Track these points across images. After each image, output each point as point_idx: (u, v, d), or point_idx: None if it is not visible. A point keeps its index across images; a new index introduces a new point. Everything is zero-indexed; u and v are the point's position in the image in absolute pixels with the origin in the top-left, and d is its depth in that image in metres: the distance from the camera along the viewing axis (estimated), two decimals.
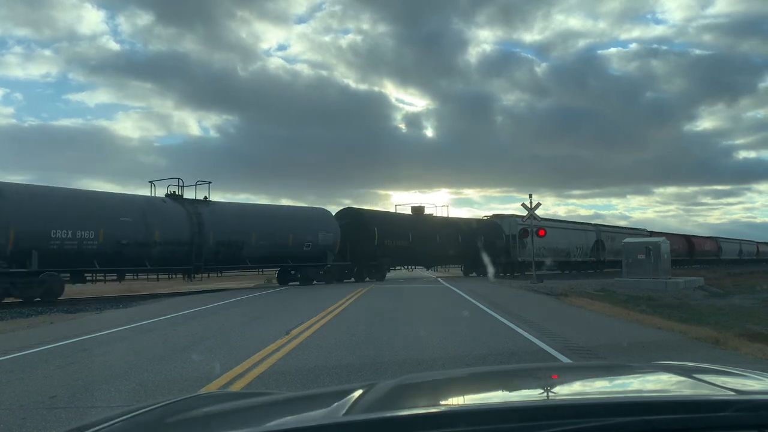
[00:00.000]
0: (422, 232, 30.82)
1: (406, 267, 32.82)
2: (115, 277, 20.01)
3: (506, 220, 37.15)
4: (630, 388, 1.71)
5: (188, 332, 9.48)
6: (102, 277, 19.42)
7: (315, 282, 25.22)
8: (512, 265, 35.53)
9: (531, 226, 28.23)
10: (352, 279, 27.69)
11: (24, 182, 18.49)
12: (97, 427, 1.40)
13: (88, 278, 18.85)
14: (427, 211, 33.57)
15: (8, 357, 7.27)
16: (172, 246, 19.97)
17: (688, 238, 57.86)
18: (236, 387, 5.35)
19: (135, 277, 21.65)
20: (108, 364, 6.76)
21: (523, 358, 6.96)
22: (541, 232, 28.69)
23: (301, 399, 1.89)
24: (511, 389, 1.82)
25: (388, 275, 30.48)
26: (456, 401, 1.67)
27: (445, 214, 35.44)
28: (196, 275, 21.58)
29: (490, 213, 39.31)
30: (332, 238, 25.75)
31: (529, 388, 1.79)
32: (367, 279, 27.87)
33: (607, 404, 1.23)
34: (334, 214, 28.10)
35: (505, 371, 2.73)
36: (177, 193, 21.50)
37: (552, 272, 35.56)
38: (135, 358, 7.03)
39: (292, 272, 25.27)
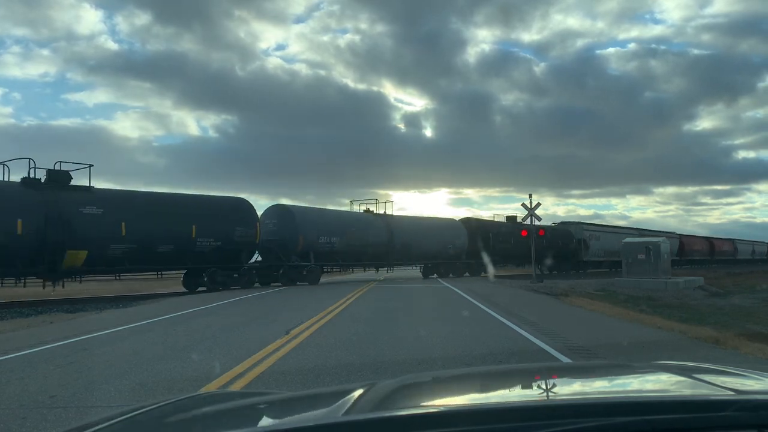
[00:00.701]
0: (518, 236, 36.67)
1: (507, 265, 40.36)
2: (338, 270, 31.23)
3: (573, 226, 44.72)
4: (630, 388, 1.70)
5: (188, 332, 9.48)
6: (329, 269, 29.08)
7: (451, 275, 31.83)
8: (579, 264, 43.60)
9: (531, 226, 28.23)
10: (467, 274, 33.83)
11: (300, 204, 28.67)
12: (97, 427, 1.40)
13: (325, 270, 28.17)
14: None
15: (8, 357, 7.27)
16: (377, 247, 28.86)
17: (710, 240, 65.03)
18: (236, 387, 5.35)
19: (352, 271, 35.06)
20: (108, 363, 6.76)
21: (523, 357, 6.96)
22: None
23: (301, 399, 1.90)
24: (511, 389, 1.82)
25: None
26: (456, 401, 1.67)
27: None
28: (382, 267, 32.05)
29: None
30: (465, 243, 33.74)
31: (528, 388, 1.79)
32: (483, 274, 33.53)
33: (607, 404, 1.23)
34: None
35: (505, 371, 2.73)
36: (369, 209, 30.63)
37: (604, 270, 44.07)
38: (135, 358, 7.03)
39: (430, 266, 33.19)
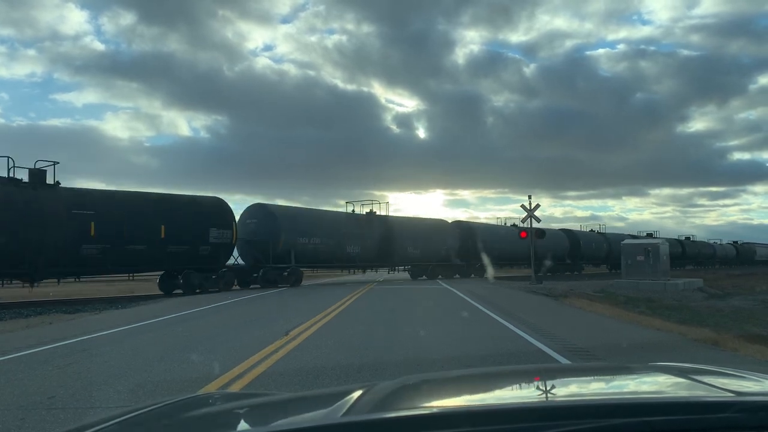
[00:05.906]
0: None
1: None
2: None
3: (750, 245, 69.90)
4: (628, 390, 1.71)
5: (187, 333, 9.48)
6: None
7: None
8: (751, 263, 64.14)
9: (531, 228, 28.24)
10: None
11: None
12: (96, 428, 1.40)
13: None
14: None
15: (7, 357, 7.26)
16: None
17: None
18: (235, 388, 5.34)
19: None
20: (107, 364, 6.75)
21: (522, 359, 6.96)
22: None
23: (301, 399, 1.90)
24: (510, 390, 1.82)
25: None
26: (455, 402, 1.67)
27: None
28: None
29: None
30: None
31: (527, 389, 1.79)
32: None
33: (606, 405, 1.23)
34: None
35: (504, 372, 2.73)
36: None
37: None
38: (134, 359, 7.03)
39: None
